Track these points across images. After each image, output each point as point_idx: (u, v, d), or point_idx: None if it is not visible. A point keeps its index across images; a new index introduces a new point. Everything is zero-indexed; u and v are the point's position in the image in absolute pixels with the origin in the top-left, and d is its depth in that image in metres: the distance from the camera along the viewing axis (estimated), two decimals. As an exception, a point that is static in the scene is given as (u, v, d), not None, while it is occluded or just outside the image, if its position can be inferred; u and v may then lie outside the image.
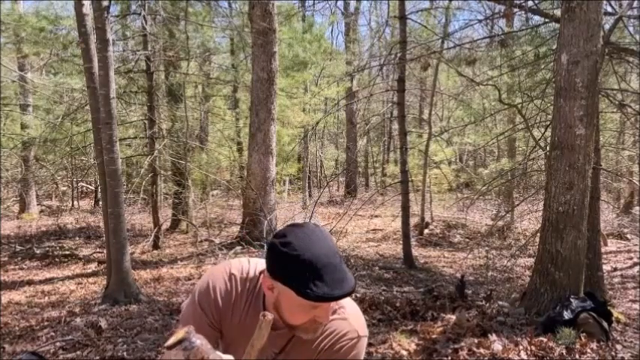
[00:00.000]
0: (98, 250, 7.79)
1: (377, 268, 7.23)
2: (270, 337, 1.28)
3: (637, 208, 13.13)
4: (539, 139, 7.36)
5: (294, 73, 11.42)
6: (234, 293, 1.37)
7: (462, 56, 8.21)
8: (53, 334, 4.19)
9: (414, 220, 9.76)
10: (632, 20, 6.33)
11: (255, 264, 1.41)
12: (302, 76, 11.41)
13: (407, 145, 7.95)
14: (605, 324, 3.74)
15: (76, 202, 14.20)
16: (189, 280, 6.27)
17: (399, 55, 7.85)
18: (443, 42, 9.58)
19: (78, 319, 4.54)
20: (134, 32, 9.48)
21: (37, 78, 10.18)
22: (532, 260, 6.24)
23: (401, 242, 7.90)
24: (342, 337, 1.39)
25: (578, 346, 3.43)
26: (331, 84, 12.76)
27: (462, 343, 3.45)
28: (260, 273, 1.37)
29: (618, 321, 4.22)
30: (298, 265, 1.17)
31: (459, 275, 6.27)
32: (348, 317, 1.39)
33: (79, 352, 3.70)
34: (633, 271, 7.50)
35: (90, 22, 5.11)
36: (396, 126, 14.36)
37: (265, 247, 1.20)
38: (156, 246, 8.21)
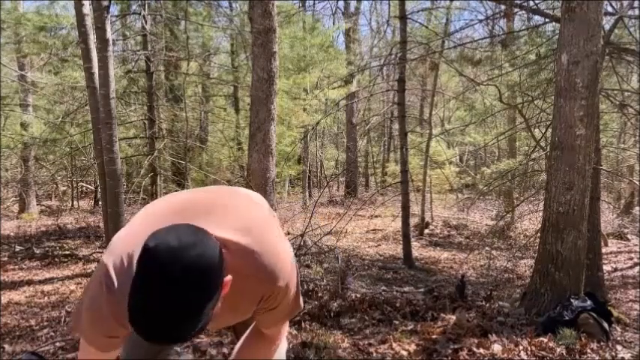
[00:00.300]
0: (98, 250, 7.77)
1: (377, 268, 7.22)
2: None
3: (637, 208, 13.12)
4: (540, 139, 7.36)
5: (296, 74, 11.42)
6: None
7: (463, 56, 8.22)
8: (53, 334, 4.18)
9: (414, 220, 9.76)
10: (632, 20, 6.33)
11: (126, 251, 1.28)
12: (304, 77, 11.40)
13: (407, 145, 7.95)
14: (605, 324, 3.73)
15: (75, 202, 14.20)
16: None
17: (399, 55, 7.85)
18: (443, 42, 9.59)
19: (78, 319, 4.52)
20: (134, 32, 9.48)
21: (37, 77, 10.18)
22: (532, 260, 6.23)
23: (401, 242, 7.90)
24: (265, 294, 1.37)
25: (578, 346, 3.42)
26: (332, 84, 12.75)
27: (462, 344, 3.44)
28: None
29: (618, 321, 4.21)
30: (136, 282, 1.07)
31: (459, 275, 6.27)
32: (266, 274, 1.34)
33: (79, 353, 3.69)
34: (634, 271, 7.50)
35: (90, 21, 5.11)
36: (396, 126, 14.36)
37: None
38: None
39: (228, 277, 1.18)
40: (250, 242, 1.32)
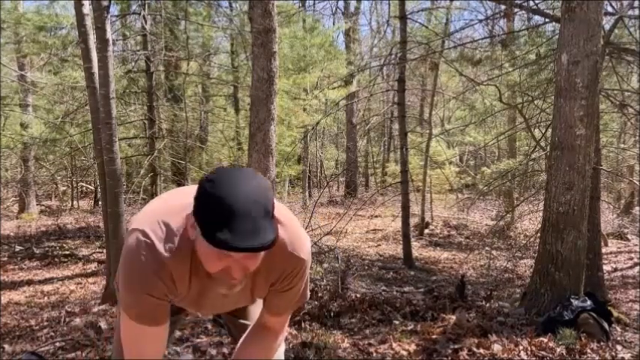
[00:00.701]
0: (98, 250, 7.78)
1: (377, 268, 7.22)
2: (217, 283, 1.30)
3: (637, 208, 13.12)
4: (540, 139, 7.36)
5: (296, 74, 11.41)
6: (169, 264, 1.28)
7: (463, 56, 8.22)
8: (53, 334, 4.19)
9: (414, 220, 9.75)
10: (632, 20, 6.32)
11: (168, 212, 1.33)
12: (304, 77, 11.39)
13: (407, 145, 7.95)
14: (605, 324, 3.73)
15: (75, 202, 14.19)
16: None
17: (399, 55, 7.85)
18: (443, 42, 9.58)
19: (77, 320, 4.53)
20: (134, 32, 9.48)
21: (37, 77, 10.18)
22: (532, 260, 6.24)
23: (401, 242, 7.90)
24: (286, 268, 1.40)
25: (578, 346, 3.42)
26: (332, 84, 12.74)
27: (462, 344, 3.44)
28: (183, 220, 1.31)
29: (618, 321, 4.21)
30: (212, 206, 1.11)
31: (459, 275, 6.27)
32: (295, 244, 1.38)
33: (78, 353, 3.69)
34: (633, 271, 7.50)
35: (90, 21, 5.10)
36: (396, 126, 14.36)
37: None
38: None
39: None
40: (278, 214, 1.34)
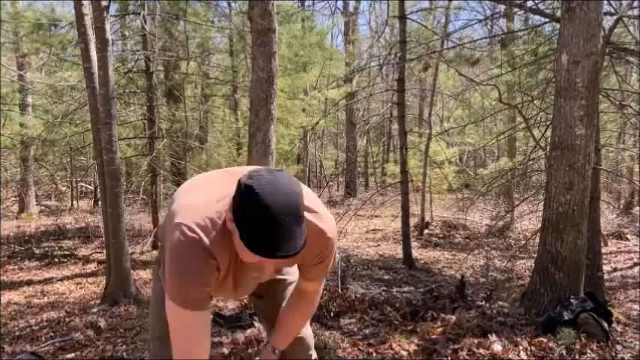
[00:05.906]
0: (97, 250, 7.78)
1: (377, 268, 7.22)
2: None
3: (637, 208, 13.12)
4: (540, 139, 7.34)
5: (294, 74, 11.39)
6: (216, 255, 1.38)
7: (462, 56, 8.21)
8: (52, 334, 4.19)
9: (413, 220, 9.75)
10: (632, 20, 6.32)
11: (210, 206, 1.40)
12: (303, 77, 11.37)
13: (407, 145, 7.94)
14: (605, 324, 3.73)
15: (75, 202, 14.18)
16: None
17: (398, 55, 7.85)
18: (443, 42, 9.57)
19: (77, 320, 4.53)
20: (133, 32, 9.47)
21: (36, 77, 10.16)
22: (532, 261, 6.23)
23: (401, 242, 7.89)
24: (320, 250, 1.49)
25: (578, 346, 3.42)
26: (332, 83, 12.73)
27: (462, 344, 3.44)
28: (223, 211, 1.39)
29: (618, 321, 4.21)
30: (250, 212, 1.21)
31: (458, 275, 6.27)
32: (323, 227, 1.48)
33: (78, 353, 3.69)
34: (633, 271, 7.49)
35: (89, 21, 5.11)
36: (395, 126, 14.35)
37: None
38: (155, 246, 8.19)
39: None
40: (309, 203, 1.42)
